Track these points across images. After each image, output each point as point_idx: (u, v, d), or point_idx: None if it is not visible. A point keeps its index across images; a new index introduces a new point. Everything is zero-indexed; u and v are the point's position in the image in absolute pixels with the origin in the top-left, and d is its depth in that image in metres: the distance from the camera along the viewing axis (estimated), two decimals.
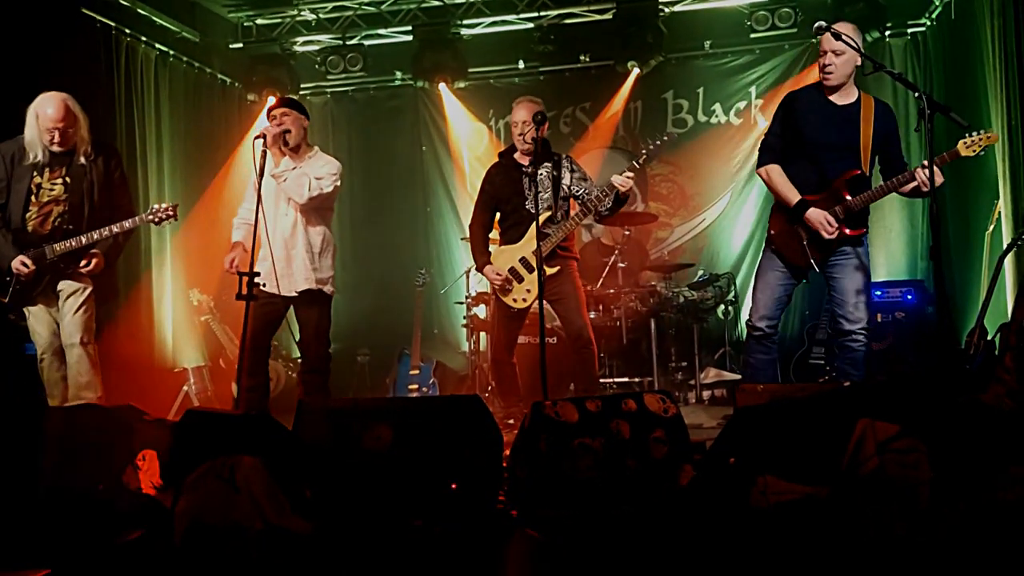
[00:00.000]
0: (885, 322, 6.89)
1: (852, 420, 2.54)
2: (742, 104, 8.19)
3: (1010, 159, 5.84)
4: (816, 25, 4.11)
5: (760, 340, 4.64)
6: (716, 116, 8.26)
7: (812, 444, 2.60)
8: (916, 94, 3.81)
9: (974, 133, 4.19)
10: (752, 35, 7.80)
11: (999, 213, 6.04)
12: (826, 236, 4.33)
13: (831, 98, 4.45)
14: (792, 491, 2.50)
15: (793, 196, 4.43)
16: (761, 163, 4.61)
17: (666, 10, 7.98)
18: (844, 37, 4.16)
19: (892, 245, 7.86)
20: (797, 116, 4.48)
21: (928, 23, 7.71)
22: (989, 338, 5.07)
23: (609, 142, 8.57)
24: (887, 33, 7.75)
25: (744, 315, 7.68)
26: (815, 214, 4.35)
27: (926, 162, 3.99)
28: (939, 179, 4.05)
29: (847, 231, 4.36)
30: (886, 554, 2.25)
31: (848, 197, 4.35)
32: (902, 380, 6.44)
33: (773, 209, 4.65)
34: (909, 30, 7.85)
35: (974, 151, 4.20)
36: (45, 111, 4.60)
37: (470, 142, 8.91)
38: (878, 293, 7.15)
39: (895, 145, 4.50)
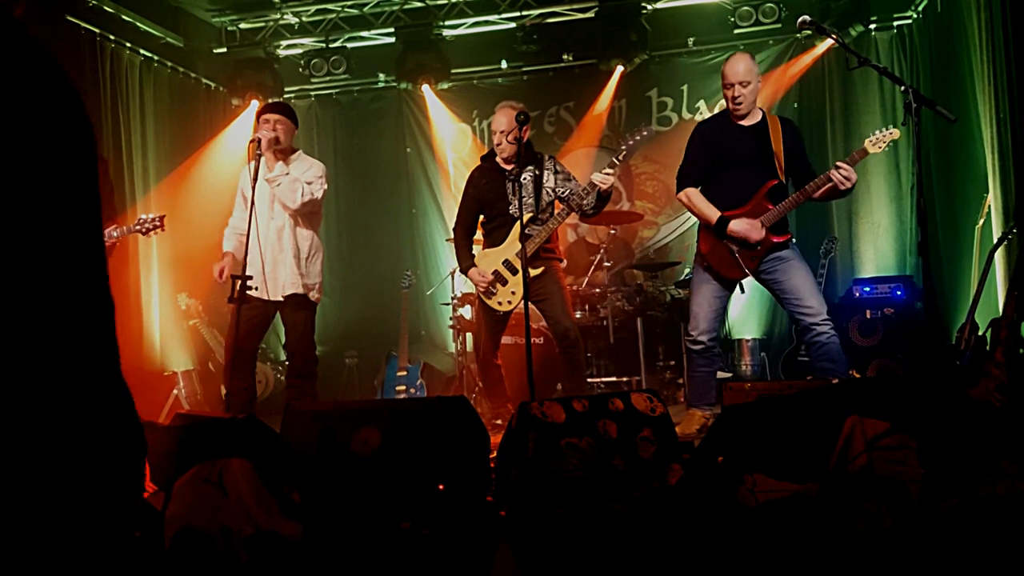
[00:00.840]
0: (874, 318, 6.89)
1: (840, 417, 2.54)
2: None
3: (999, 152, 5.84)
4: (800, 19, 4.14)
5: (702, 353, 4.81)
6: (701, 113, 8.25)
7: (800, 442, 2.60)
8: (903, 88, 3.82)
9: (878, 131, 4.44)
10: (736, 31, 7.79)
11: (988, 207, 6.05)
12: (755, 238, 4.51)
13: (739, 122, 4.68)
14: (780, 489, 2.49)
15: (713, 214, 4.63)
16: (679, 188, 4.80)
17: (649, 7, 7.97)
18: (747, 72, 4.60)
19: (880, 241, 7.87)
20: (711, 141, 4.72)
21: (914, 16, 7.71)
22: (980, 333, 5.09)
23: (595, 141, 8.54)
24: (872, 27, 7.76)
25: (731, 313, 7.69)
26: (737, 224, 4.55)
27: (838, 163, 4.33)
28: (853, 178, 4.34)
29: (773, 238, 4.54)
30: (876, 551, 2.24)
31: (770, 207, 4.53)
32: (891, 376, 6.48)
33: (700, 228, 4.81)
34: (895, 23, 7.84)
35: (880, 148, 4.43)
36: None
37: (454, 143, 8.89)
38: (867, 289, 7.16)
39: (803, 157, 4.71)
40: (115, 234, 4.75)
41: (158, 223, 4.86)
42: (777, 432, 2.66)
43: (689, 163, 4.78)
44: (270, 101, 5.16)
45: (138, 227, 4.83)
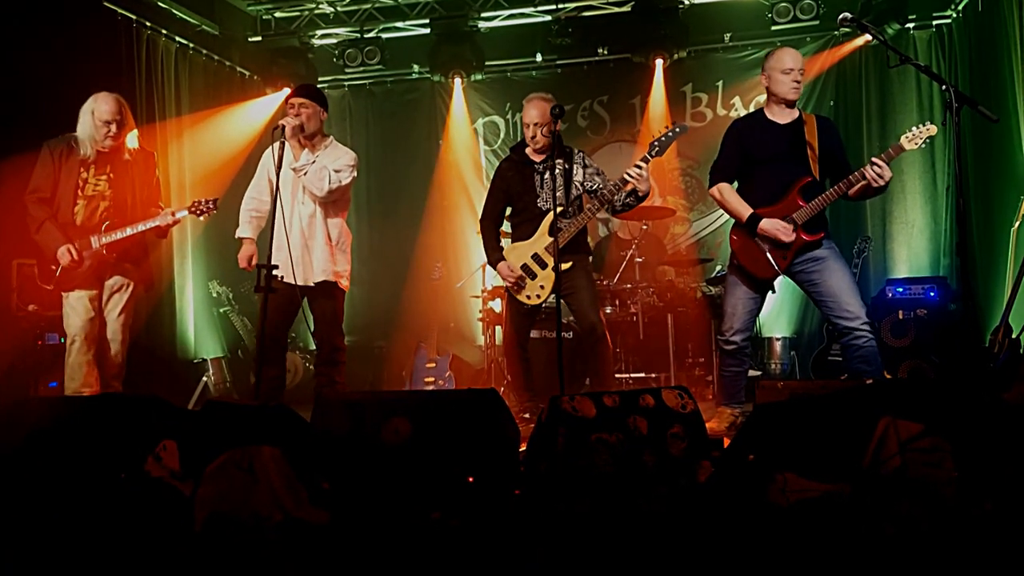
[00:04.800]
0: (907, 319, 6.83)
1: (873, 418, 2.52)
2: (762, 98, 7.97)
3: None
4: (841, 16, 4.10)
5: (733, 354, 4.76)
6: (735, 109, 8.21)
7: (832, 442, 2.58)
8: (943, 87, 3.77)
9: (914, 127, 4.34)
10: (773, 27, 7.73)
11: None
12: (784, 239, 4.45)
13: (773, 119, 4.63)
14: (811, 489, 2.47)
15: (744, 211, 4.57)
16: (712, 184, 4.75)
17: (686, 2, 7.94)
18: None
19: (914, 241, 7.81)
20: (746, 138, 4.66)
21: (953, 15, 7.63)
22: (1014, 336, 5.02)
23: (628, 136, 8.54)
24: (911, 25, 7.68)
25: (762, 312, 7.65)
26: (768, 223, 4.49)
27: (873, 159, 4.24)
28: (888, 175, 4.25)
29: (805, 236, 4.47)
30: (908, 554, 2.23)
31: (802, 204, 4.46)
32: (924, 378, 6.42)
33: (733, 227, 4.75)
34: (934, 22, 7.77)
35: (916, 144, 4.32)
36: (101, 107, 4.74)
37: (487, 136, 8.91)
38: (900, 290, 7.10)
39: (840, 154, 4.63)
40: (178, 215, 4.90)
41: (212, 206, 4.97)
42: (809, 431, 2.64)
43: (722, 159, 4.74)
44: (298, 85, 5.23)
45: (193, 209, 4.94)
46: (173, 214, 4.88)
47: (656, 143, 4.80)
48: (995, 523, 2.21)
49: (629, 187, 4.79)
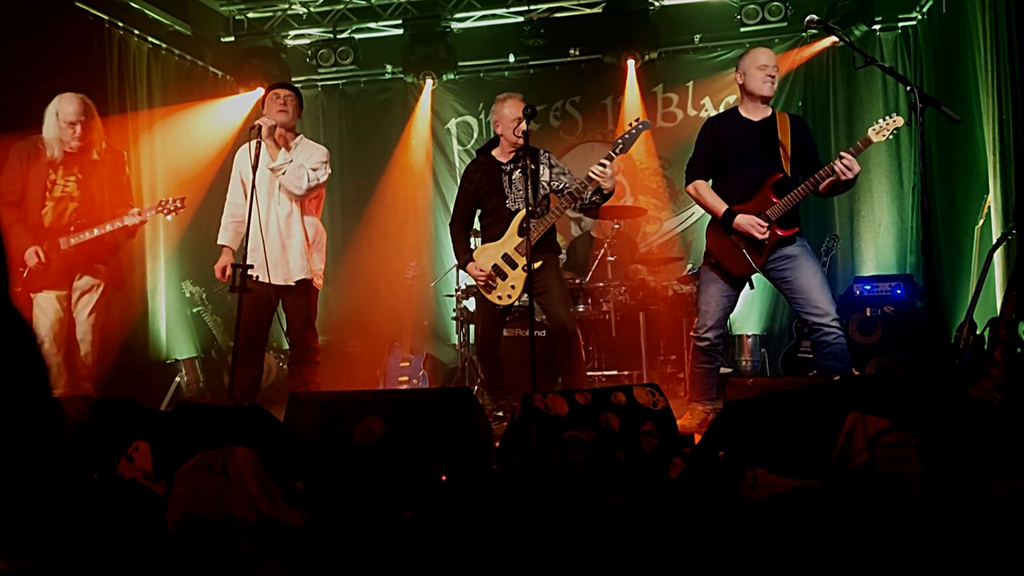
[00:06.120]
0: (874, 316, 6.92)
1: (842, 414, 2.55)
2: (732, 98, 8.18)
3: (1000, 153, 5.85)
4: (807, 18, 4.17)
5: (706, 351, 4.80)
6: (706, 110, 8.28)
7: (801, 437, 2.61)
8: (908, 88, 3.84)
9: (881, 120, 4.42)
10: (742, 29, 7.80)
11: (988, 207, 6.07)
12: (759, 236, 4.50)
13: (747, 116, 4.70)
14: (781, 484, 2.51)
15: (720, 207, 4.63)
16: (688, 181, 4.81)
17: (656, 4, 7.99)
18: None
19: (881, 239, 7.90)
20: (720, 136, 4.72)
21: (919, 17, 7.73)
22: (978, 332, 5.10)
23: (599, 136, 8.58)
24: (877, 27, 7.77)
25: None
26: (743, 219, 4.54)
27: (841, 153, 4.31)
28: (856, 168, 4.31)
29: (779, 232, 4.53)
30: (876, 548, 2.26)
31: (775, 200, 4.52)
32: (891, 374, 6.50)
33: (709, 224, 4.81)
34: (899, 24, 7.87)
35: (884, 136, 4.39)
36: (66, 108, 4.75)
37: (460, 136, 8.92)
38: (867, 287, 7.19)
39: (811, 151, 4.71)
40: (146, 215, 4.90)
41: (179, 204, 4.97)
42: (778, 427, 2.68)
43: (698, 156, 4.80)
44: (278, 81, 5.23)
45: (160, 208, 4.94)
46: (140, 213, 4.87)
47: (620, 140, 4.84)
48: (960, 516, 2.25)
49: (594, 185, 4.82)
